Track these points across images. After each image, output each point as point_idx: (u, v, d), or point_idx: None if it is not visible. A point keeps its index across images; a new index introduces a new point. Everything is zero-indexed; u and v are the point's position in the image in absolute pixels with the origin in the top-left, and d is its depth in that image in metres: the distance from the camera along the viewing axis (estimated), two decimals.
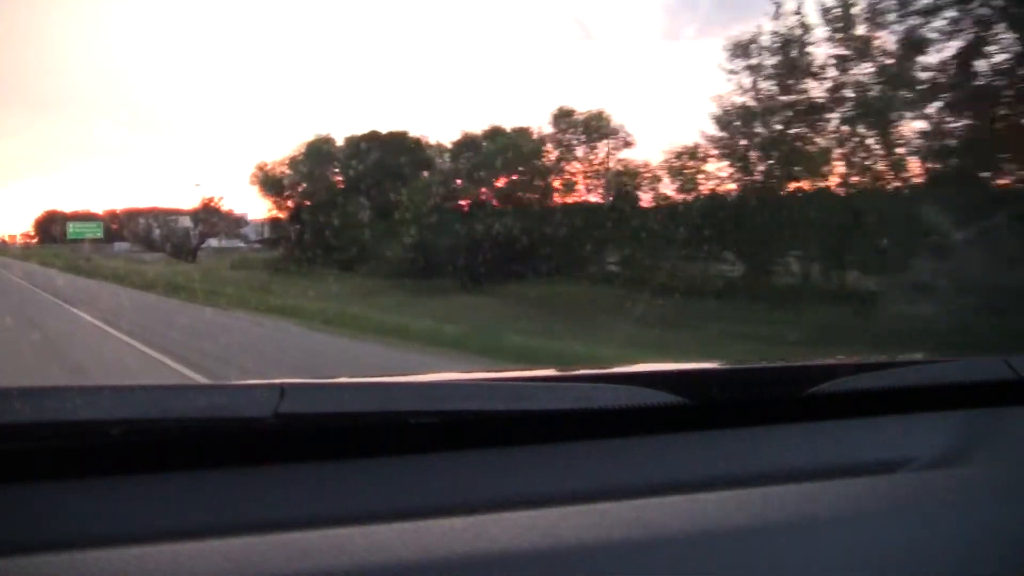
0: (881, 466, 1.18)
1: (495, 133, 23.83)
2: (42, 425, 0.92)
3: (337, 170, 29.46)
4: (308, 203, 28.49)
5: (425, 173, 25.59)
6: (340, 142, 29.89)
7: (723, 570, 0.93)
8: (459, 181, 23.36)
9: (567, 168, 22.52)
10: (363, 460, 1.04)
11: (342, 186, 28.50)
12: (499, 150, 22.46)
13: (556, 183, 22.55)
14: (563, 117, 22.61)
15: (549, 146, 22.85)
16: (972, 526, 1.04)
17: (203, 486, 0.97)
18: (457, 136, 25.32)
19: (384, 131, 28.31)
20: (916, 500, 1.06)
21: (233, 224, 52.77)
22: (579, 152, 22.65)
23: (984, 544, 1.03)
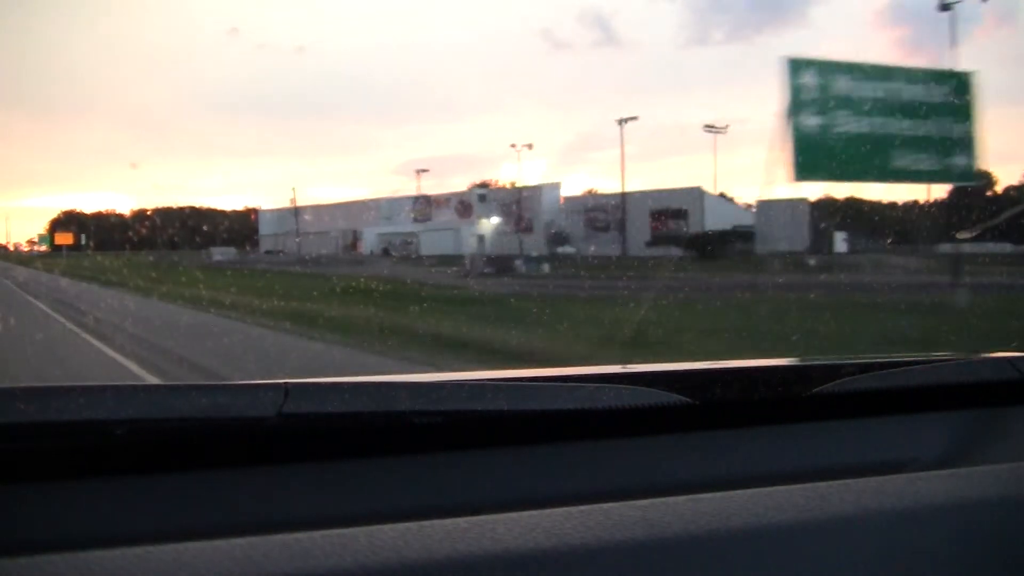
0: (885, 466, 1.18)
1: None
2: (45, 425, 0.92)
3: None
4: None
5: None
6: None
7: (727, 570, 0.93)
8: None
9: None
10: (367, 460, 1.05)
11: None
12: None
13: None
14: None
15: None
16: (976, 526, 1.04)
17: (206, 486, 0.98)
18: None
19: None
20: (920, 500, 1.05)
21: None
22: None
23: (988, 545, 1.03)
